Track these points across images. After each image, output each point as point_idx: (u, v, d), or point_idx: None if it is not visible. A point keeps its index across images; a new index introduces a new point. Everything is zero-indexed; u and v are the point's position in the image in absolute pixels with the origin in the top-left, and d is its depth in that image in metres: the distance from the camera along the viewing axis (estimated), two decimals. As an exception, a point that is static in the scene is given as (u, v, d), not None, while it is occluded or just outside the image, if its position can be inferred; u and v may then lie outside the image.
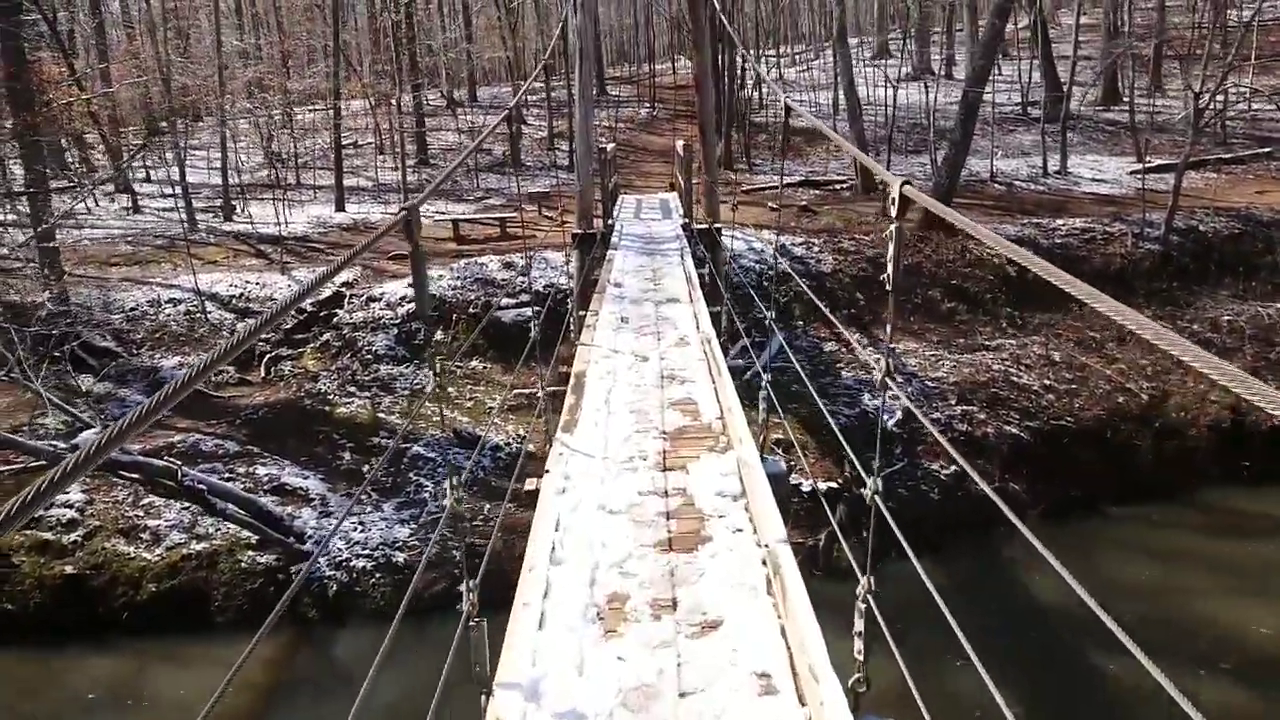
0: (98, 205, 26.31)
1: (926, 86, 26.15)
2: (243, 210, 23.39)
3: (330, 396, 15.08)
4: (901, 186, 3.15)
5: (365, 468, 13.35)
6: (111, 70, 27.24)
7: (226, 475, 12.92)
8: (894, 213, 3.25)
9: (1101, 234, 19.00)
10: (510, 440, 13.98)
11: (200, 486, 10.81)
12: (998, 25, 18.46)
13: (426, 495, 12.80)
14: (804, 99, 35.52)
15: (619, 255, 10.48)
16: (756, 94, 32.33)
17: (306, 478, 13.04)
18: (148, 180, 29.04)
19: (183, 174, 22.28)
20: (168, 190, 27.50)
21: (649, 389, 5.77)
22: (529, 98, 38.49)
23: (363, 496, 12.72)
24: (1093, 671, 9.86)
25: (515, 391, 15.06)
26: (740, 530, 4.32)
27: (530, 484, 4.98)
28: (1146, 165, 23.94)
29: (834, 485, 12.46)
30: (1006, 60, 38.96)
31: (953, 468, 13.11)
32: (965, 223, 3.05)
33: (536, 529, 4.36)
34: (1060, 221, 19.47)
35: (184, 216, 21.07)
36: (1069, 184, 23.04)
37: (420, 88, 27.81)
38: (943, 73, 35.84)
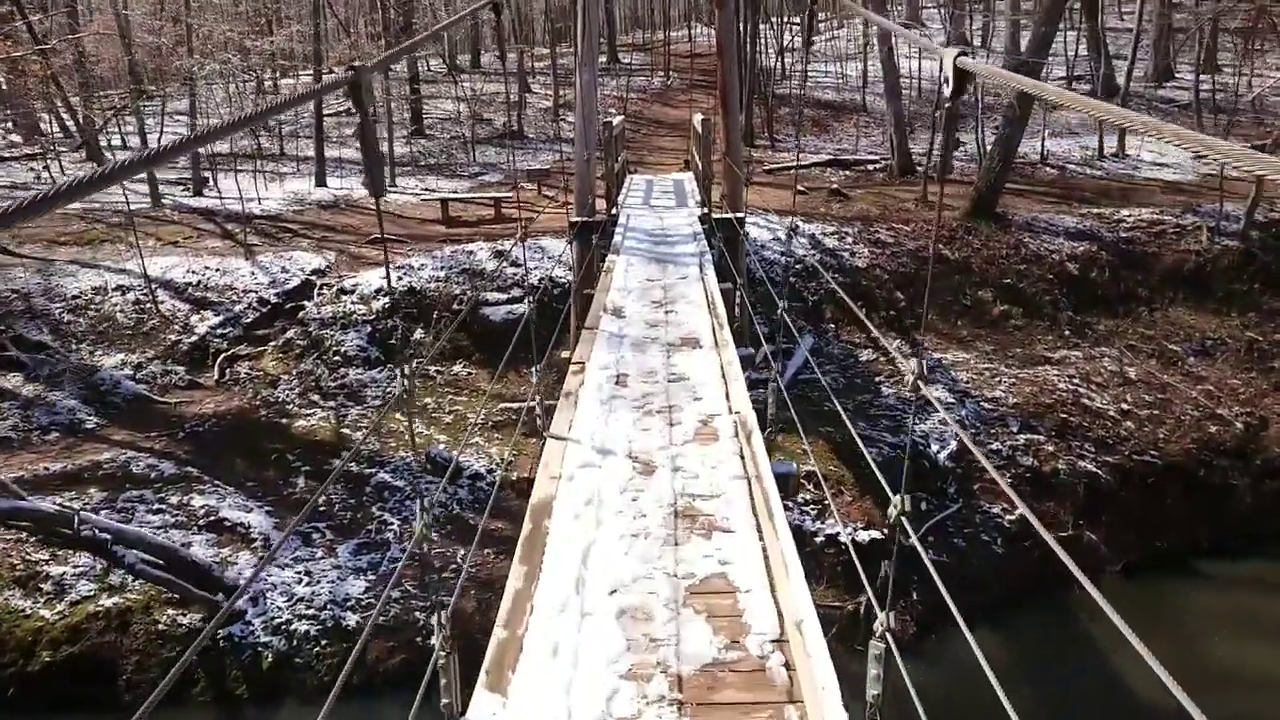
0: (63, 174, 24.23)
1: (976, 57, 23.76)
2: (215, 184, 21.25)
3: (289, 407, 13.04)
4: (956, 57, 2.29)
5: (325, 498, 11.32)
6: (83, 30, 25.07)
7: (155, 507, 10.91)
8: (948, 92, 2.34)
9: (1173, 227, 16.75)
10: (494, 466, 11.91)
11: (103, 536, 8.77)
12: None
13: (390, 535, 10.77)
14: (829, 70, 33.15)
15: (622, 263, 8.29)
16: (779, 64, 29.94)
17: (250, 510, 11.01)
18: (124, 148, 26.91)
19: (144, 143, 20.15)
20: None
21: (653, 544, 3.46)
22: (536, 64, 36.19)
23: (313, 536, 10.71)
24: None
25: (501, 406, 13.00)
26: None
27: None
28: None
29: (877, 536, 10.36)
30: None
31: (1017, 512, 11.00)
32: (1041, 88, 2.39)
33: None
34: (1126, 212, 17.21)
35: (117, 194, 18.88)
36: (1128, 168, 20.73)
37: (411, 50, 25.48)
38: (978, 43, 33.38)
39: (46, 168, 24.37)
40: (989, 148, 18.51)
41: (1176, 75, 29.69)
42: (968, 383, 13.13)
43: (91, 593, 9.63)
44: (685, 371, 5.25)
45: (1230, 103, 26.97)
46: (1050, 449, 11.68)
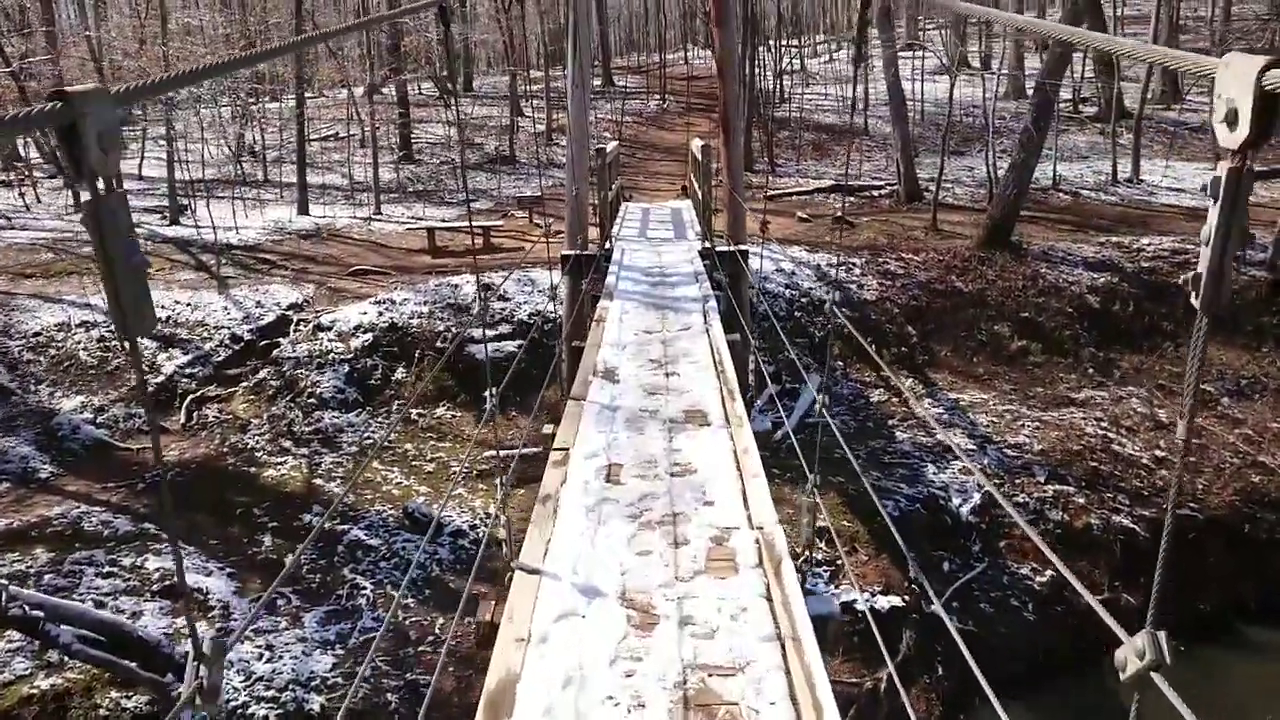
0: (39, 202, 23.37)
1: (983, 80, 23.06)
2: (194, 211, 20.36)
3: (258, 454, 12.10)
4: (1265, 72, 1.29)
5: (289, 558, 10.36)
6: (64, 51, 24.25)
7: (105, 570, 9.95)
8: (1238, 132, 1.36)
9: (1196, 256, 15.85)
10: (478, 522, 10.98)
11: (35, 614, 7.81)
12: (1080, 3, 15.36)
13: (363, 601, 9.80)
14: (828, 93, 32.46)
15: (615, 310, 7.35)
16: (778, 86, 29.21)
17: (210, 573, 10.04)
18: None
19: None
20: (128, 185, 24.63)
21: None
22: (530, 88, 35.49)
23: (278, 602, 9.75)
24: None
25: (486, 453, 12.07)
26: None
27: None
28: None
29: (897, 602, 9.42)
30: (1048, 53, 35.84)
31: (1049, 572, 10.09)
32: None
33: None
34: (1145, 241, 16.39)
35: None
36: (1144, 194, 19.93)
37: (399, 71, 24.73)
38: (977, 64, 32.75)
39: (22, 195, 23.59)
40: (1000, 173, 17.70)
41: (1185, 98, 29.00)
42: (988, 427, 12.23)
43: (27, 671, 8.65)
44: (692, 460, 4.34)
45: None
46: (1081, 501, 10.77)
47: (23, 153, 26.83)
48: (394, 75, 24.43)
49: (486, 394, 4.01)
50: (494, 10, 30.24)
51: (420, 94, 33.33)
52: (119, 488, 11.58)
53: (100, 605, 9.49)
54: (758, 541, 3.47)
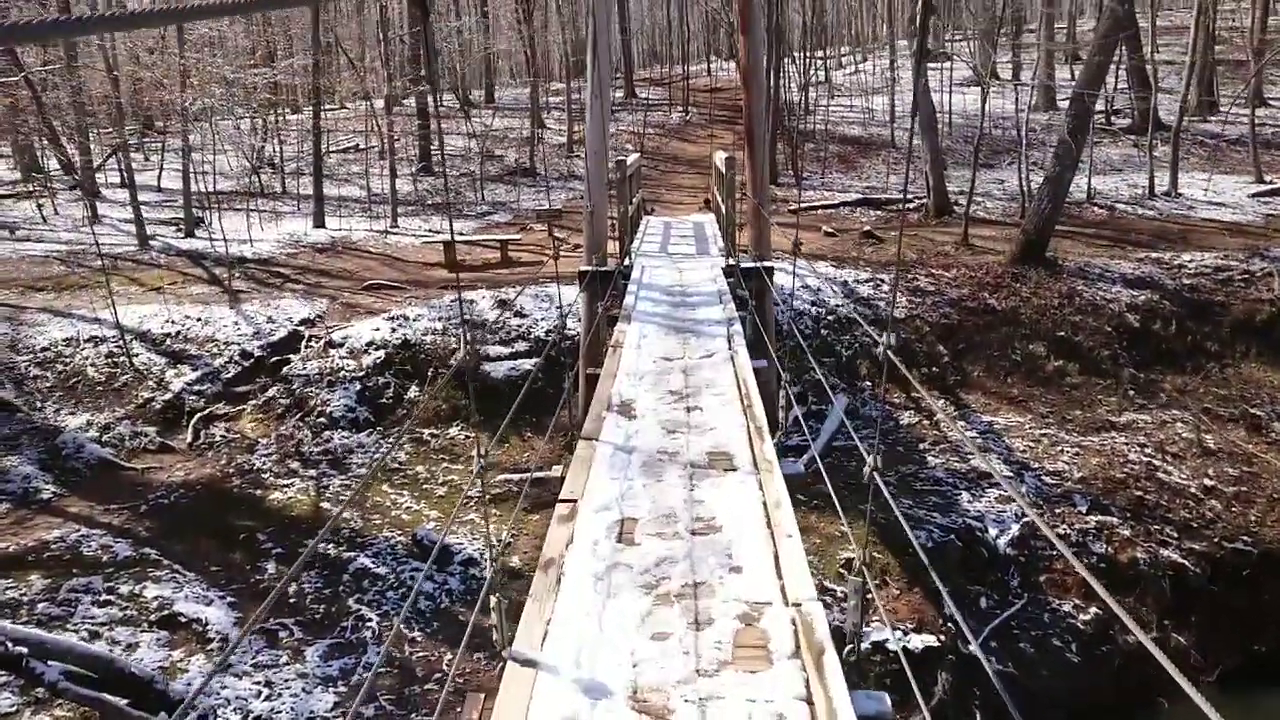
0: (56, 214, 23.20)
1: (1015, 91, 22.51)
2: (210, 224, 20.08)
3: (265, 476, 11.71)
4: None
5: (292, 583, 9.94)
6: (82, 67, 24.12)
7: (102, 599, 9.56)
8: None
9: (1240, 273, 15.28)
10: (492, 548, 10.49)
11: (18, 650, 7.41)
12: (1119, 12, 14.79)
13: (369, 634, 9.35)
14: (854, 105, 31.95)
15: (634, 334, 6.86)
16: (803, 98, 28.72)
17: (209, 602, 9.64)
18: (121, 185, 25.87)
19: (131, 180, 19.13)
20: (143, 197, 24.44)
21: None
22: (551, 99, 35.18)
23: (280, 634, 9.32)
24: None
25: (501, 477, 11.63)
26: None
27: None
28: (1274, 186, 20.22)
29: (931, 642, 8.87)
30: (1078, 64, 35.18)
31: (1093, 609, 9.51)
32: None
33: None
34: (1187, 257, 15.76)
35: (106, 235, 17.79)
36: (1182, 208, 19.28)
37: (418, 82, 24.42)
38: (1007, 75, 32.13)
39: (39, 206, 23.44)
40: (1034, 186, 17.13)
41: (1220, 110, 28.29)
42: (1025, 452, 11.66)
43: (14, 708, 8.25)
44: (716, 516, 3.83)
45: (1281, 137, 25.59)
46: (1126, 534, 10.17)
47: (43, 164, 26.71)
48: (413, 86, 24.13)
49: (476, 444, 3.49)
50: (515, 20, 29.92)
51: (443, 105, 33.09)
52: (122, 509, 11.21)
53: (95, 636, 9.12)
54: (794, 622, 2.96)
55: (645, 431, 4.84)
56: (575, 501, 3.92)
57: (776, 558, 3.35)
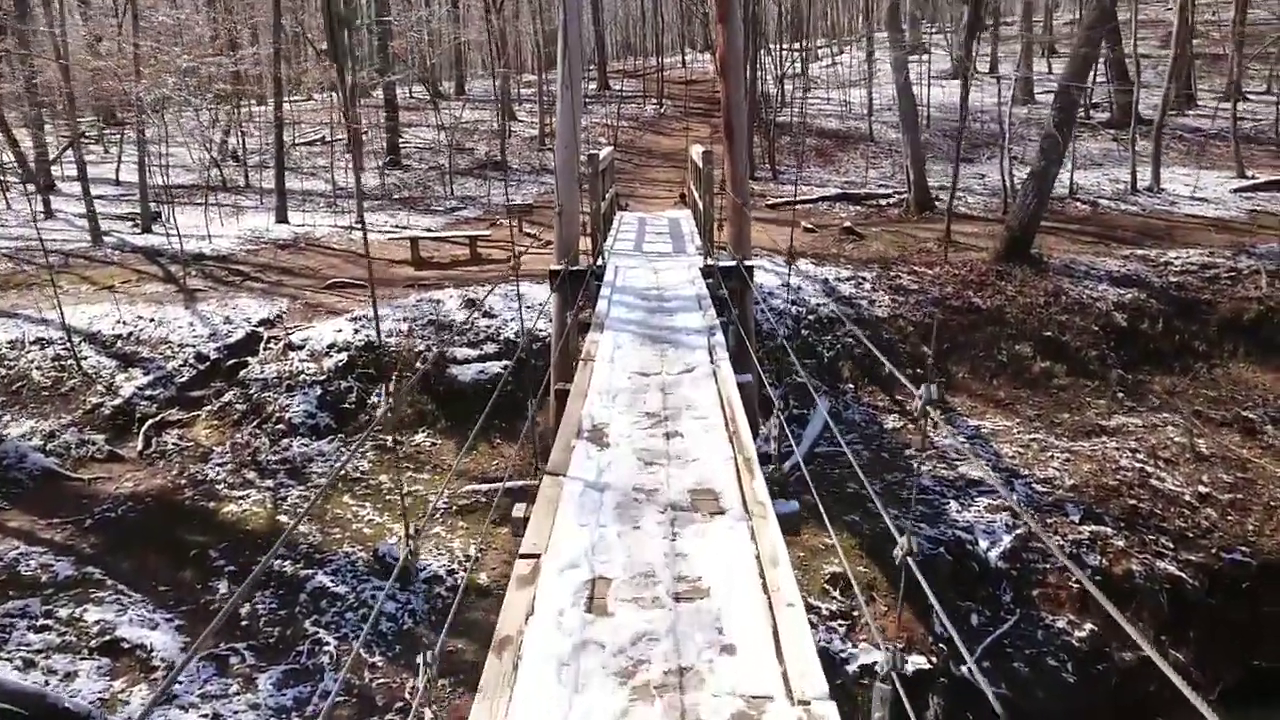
0: (9, 209, 22.34)
1: (999, 83, 22.15)
2: (169, 219, 19.32)
3: (218, 487, 11.08)
4: None
5: (247, 604, 9.36)
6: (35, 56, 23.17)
7: (40, 623, 8.94)
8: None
9: (1226, 270, 14.96)
10: (457, 564, 9.97)
11: (-63, 688, 6.80)
12: (1107, 2, 14.39)
13: (326, 659, 8.79)
14: (830, 98, 31.52)
15: (607, 344, 6.26)
16: (779, 90, 28.23)
17: (155, 626, 9.04)
18: (79, 179, 24.99)
19: (82, 174, 18.37)
20: (100, 190, 23.59)
21: None
22: (523, 91, 34.53)
23: (231, 660, 8.73)
24: None
25: (468, 488, 11.07)
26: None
27: None
28: (1256, 181, 19.97)
29: (922, 663, 8.42)
30: (1056, 57, 34.93)
31: (1088, 625, 9.10)
32: None
33: None
34: (1173, 254, 15.42)
35: (59, 231, 17.06)
36: (1165, 204, 18.98)
37: (383, 72, 23.73)
38: (984, 67, 31.79)
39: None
40: (1018, 182, 16.74)
41: (1199, 103, 28.09)
42: (1014, 458, 11.25)
43: (-63, 749, 7.64)
44: (703, 575, 3.24)
45: (1262, 131, 25.41)
46: (1120, 544, 9.78)
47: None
48: (379, 76, 23.43)
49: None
50: (485, 9, 29.23)
51: (411, 97, 32.36)
52: (65, 524, 10.57)
53: (29, 665, 8.50)
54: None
55: (619, 463, 4.29)
56: (538, 558, 3.37)
57: (776, 634, 2.81)
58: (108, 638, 8.82)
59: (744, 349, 7.52)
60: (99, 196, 22.64)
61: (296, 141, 26.77)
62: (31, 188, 23.08)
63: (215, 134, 24.26)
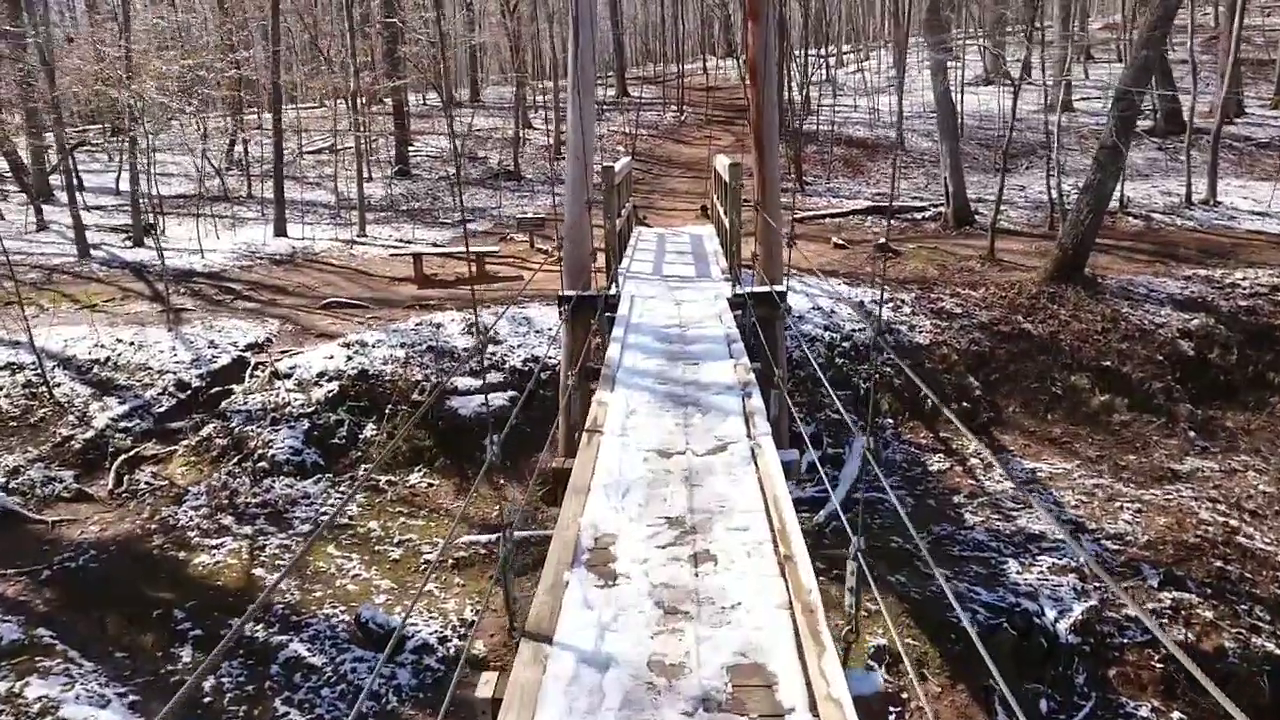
0: (2, 219, 21.43)
1: (1045, 90, 20.88)
2: (160, 233, 18.34)
3: (190, 534, 9.99)
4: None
5: (213, 680, 8.25)
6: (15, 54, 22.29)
7: (-27, 699, 7.85)
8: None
9: (1300, 293, 13.67)
10: (452, 630, 8.83)
11: None
12: (1171, 4, 13.17)
13: (297, 744, 7.66)
14: (858, 105, 30.31)
15: (617, 409, 5.05)
16: (805, 98, 27.05)
17: (106, 703, 7.93)
18: (80, 189, 24.07)
19: (70, 184, 17.44)
20: (100, 201, 22.70)
21: None
22: (540, 98, 33.49)
23: (188, 748, 7.62)
24: None
25: (466, 539, 9.94)
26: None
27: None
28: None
29: (988, 761, 7.21)
30: (1092, 63, 33.62)
31: (1175, 713, 7.86)
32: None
33: None
34: (1239, 275, 14.16)
35: (50, 243, 16.10)
36: (1224, 218, 17.68)
37: (391, 77, 22.70)
38: (1017, 74, 30.51)
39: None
40: (1072, 195, 15.49)
41: (1247, 111, 26.74)
42: (1077, 508, 10.02)
43: None
44: None
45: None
46: (1208, 615, 8.53)
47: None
48: (387, 81, 22.39)
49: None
50: (501, 13, 28.20)
51: (424, 105, 31.40)
52: (19, 576, 9.50)
53: (-44, 753, 7.44)
54: None
55: (630, 615, 3.03)
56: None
57: None
58: (50, 717, 7.73)
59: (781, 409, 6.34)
60: (98, 207, 21.78)
61: (304, 150, 25.83)
62: (24, 198, 22.19)
63: (215, 142, 23.30)
